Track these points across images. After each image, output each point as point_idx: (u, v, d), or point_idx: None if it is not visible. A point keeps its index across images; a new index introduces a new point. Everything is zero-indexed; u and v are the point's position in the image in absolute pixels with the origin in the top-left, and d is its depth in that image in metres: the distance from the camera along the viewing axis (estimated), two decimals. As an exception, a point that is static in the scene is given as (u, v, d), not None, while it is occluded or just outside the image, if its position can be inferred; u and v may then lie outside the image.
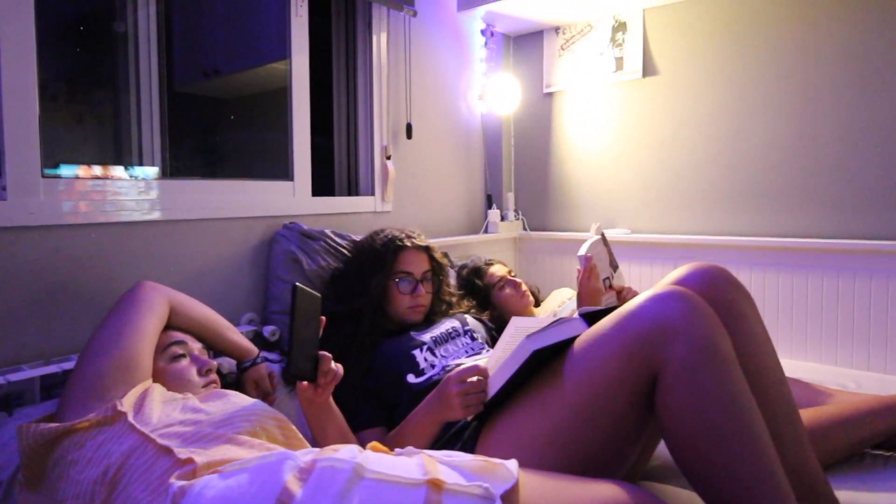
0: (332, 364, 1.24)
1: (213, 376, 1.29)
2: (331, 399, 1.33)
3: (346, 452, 0.88)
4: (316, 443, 1.33)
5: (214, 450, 0.94)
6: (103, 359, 1.10)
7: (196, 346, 1.34)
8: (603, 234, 1.79)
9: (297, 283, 1.21)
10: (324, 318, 1.29)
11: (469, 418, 1.27)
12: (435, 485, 0.81)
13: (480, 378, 1.22)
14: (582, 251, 1.69)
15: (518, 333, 1.55)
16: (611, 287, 1.75)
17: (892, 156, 2.09)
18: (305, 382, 1.22)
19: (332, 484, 0.80)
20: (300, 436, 1.12)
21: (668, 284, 1.17)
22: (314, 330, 1.25)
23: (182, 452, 0.90)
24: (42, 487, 0.99)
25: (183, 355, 1.27)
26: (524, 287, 2.15)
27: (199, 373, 1.27)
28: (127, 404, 1.01)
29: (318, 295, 1.28)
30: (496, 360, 1.47)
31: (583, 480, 0.92)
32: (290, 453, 0.88)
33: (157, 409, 1.03)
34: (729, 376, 0.98)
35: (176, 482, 0.84)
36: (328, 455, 0.87)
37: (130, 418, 0.98)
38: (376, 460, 0.87)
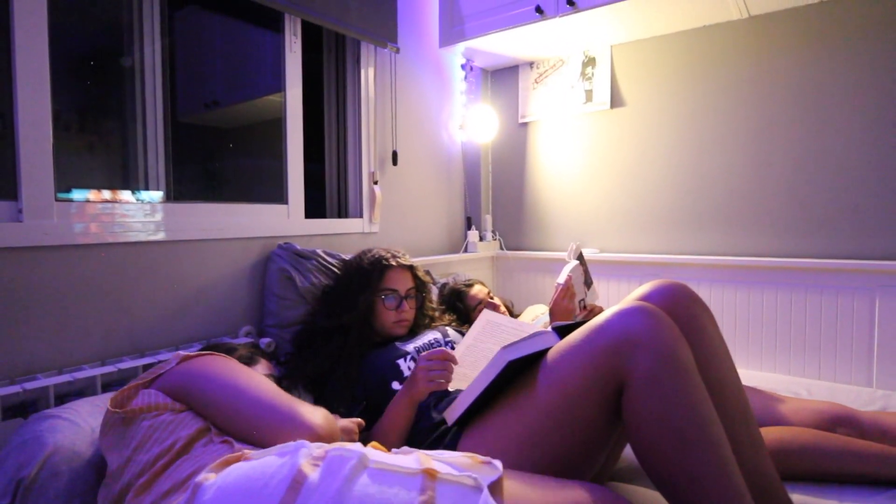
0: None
1: None
2: None
3: (354, 446, 0.90)
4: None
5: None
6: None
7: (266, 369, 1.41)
8: (581, 254, 1.81)
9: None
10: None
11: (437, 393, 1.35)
12: (430, 473, 0.83)
13: (446, 355, 1.29)
14: (561, 279, 1.71)
15: (488, 327, 1.60)
16: (584, 308, 1.79)
17: (839, 182, 2.13)
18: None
19: (341, 469, 0.82)
20: None
21: (634, 300, 1.18)
22: None
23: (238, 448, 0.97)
24: (130, 412, 1.06)
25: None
26: (502, 309, 2.18)
27: None
28: None
29: None
30: (465, 347, 1.53)
31: (557, 481, 0.94)
32: (305, 443, 0.90)
33: None
34: (690, 385, 0.99)
35: (206, 473, 0.88)
36: (338, 446, 0.90)
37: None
38: (378, 454, 0.90)
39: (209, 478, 0.85)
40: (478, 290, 2.18)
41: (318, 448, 0.89)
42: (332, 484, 0.80)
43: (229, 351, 1.36)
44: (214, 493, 0.82)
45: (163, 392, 1.09)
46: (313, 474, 0.82)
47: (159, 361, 1.53)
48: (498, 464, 0.90)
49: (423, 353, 1.34)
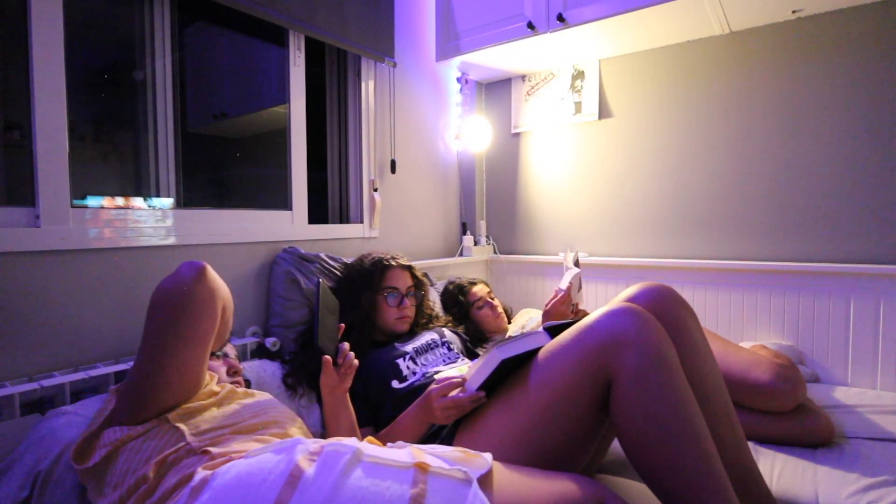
0: (350, 353, 1.33)
1: (238, 378, 1.32)
2: (347, 395, 1.37)
3: (349, 441, 0.91)
4: (326, 435, 1.35)
5: (229, 445, 0.98)
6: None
7: (233, 352, 1.38)
8: (577, 261, 1.82)
9: (321, 280, 1.31)
10: (342, 324, 1.39)
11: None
12: (421, 467, 0.84)
13: (460, 393, 1.24)
14: (563, 284, 1.72)
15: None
16: (573, 311, 1.80)
17: (815, 189, 2.14)
18: (330, 371, 1.31)
19: (336, 463, 0.83)
20: (306, 428, 1.16)
21: (621, 301, 1.19)
22: (335, 322, 1.35)
23: (212, 449, 0.95)
24: (94, 467, 0.99)
25: (219, 355, 1.32)
26: (500, 309, 2.19)
27: (228, 372, 1.30)
28: (176, 418, 1.02)
29: (337, 301, 1.40)
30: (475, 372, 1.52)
31: (545, 473, 0.95)
32: (302, 439, 0.91)
33: (200, 417, 1.04)
34: (674, 382, 1.00)
35: (202, 471, 0.87)
36: (334, 441, 0.90)
37: (178, 424, 1.00)
38: (373, 448, 0.90)
39: (207, 476, 0.85)
40: (479, 289, 2.22)
41: (314, 444, 0.89)
42: (328, 478, 0.81)
43: None
44: (214, 489, 0.81)
45: (118, 424, 1.03)
46: (310, 469, 0.82)
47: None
48: (488, 457, 0.91)
49: (436, 388, 1.28)
